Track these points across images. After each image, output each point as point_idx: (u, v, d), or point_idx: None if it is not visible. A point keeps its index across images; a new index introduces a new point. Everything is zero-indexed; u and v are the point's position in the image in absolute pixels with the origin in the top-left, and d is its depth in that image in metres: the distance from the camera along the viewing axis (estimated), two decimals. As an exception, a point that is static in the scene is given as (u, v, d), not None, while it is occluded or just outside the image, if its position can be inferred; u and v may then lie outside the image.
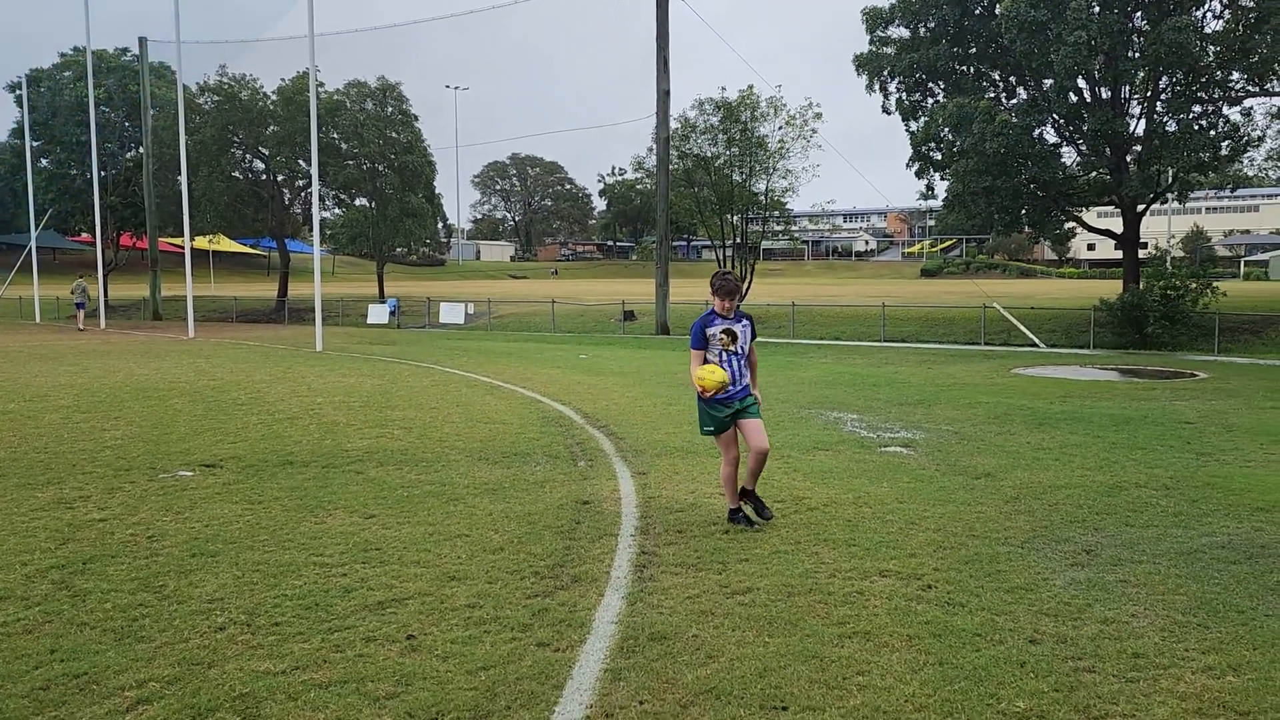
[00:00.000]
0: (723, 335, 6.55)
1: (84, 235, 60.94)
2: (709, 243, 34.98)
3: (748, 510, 6.76)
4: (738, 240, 32.33)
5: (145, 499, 7.51)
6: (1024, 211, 26.80)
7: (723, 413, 6.58)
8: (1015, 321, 25.91)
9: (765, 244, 46.24)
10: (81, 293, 34.60)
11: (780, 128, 29.98)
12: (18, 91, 44.28)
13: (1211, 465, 8.72)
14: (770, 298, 36.62)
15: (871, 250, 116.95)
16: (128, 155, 46.29)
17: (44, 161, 45.44)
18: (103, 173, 40.99)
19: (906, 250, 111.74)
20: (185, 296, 31.65)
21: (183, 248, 32.63)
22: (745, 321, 6.66)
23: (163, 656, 4.43)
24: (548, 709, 3.90)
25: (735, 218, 31.97)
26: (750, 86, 30.60)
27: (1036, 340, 24.30)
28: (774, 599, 5.17)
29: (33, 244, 41.22)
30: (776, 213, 33.22)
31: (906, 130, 27.22)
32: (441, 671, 4.26)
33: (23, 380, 16.04)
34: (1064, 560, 5.84)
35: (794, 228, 39.86)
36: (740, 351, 6.61)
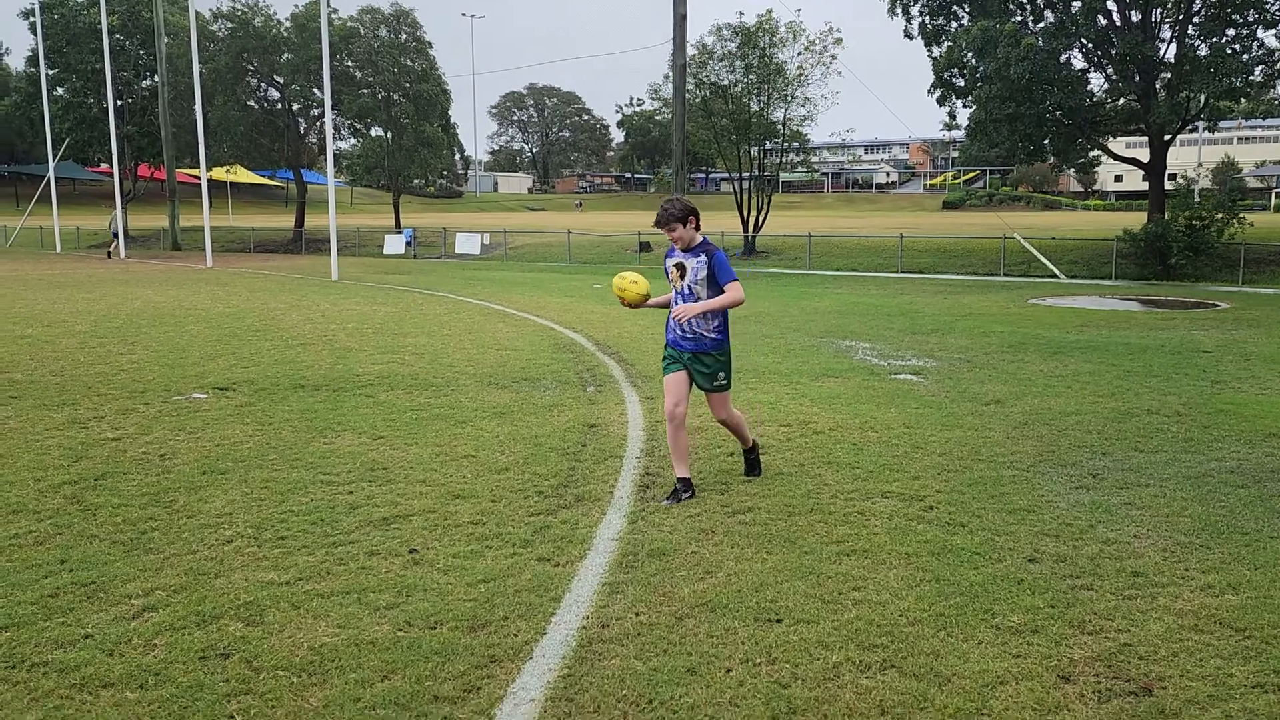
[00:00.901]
0: (673, 269, 5.62)
1: (102, 166, 60.96)
2: (727, 175, 34.54)
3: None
4: (755, 172, 31.92)
5: (158, 420, 7.59)
6: (1048, 140, 26.27)
7: (665, 354, 5.74)
8: (1035, 252, 25.57)
9: (784, 176, 45.68)
10: (116, 222, 35.18)
11: (799, 54, 29.42)
12: (31, 18, 43.84)
13: (1226, 392, 8.64)
14: (787, 229, 36.28)
15: (893, 183, 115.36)
16: (143, 84, 45.93)
17: (60, 90, 45.17)
18: (119, 102, 40.77)
19: (928, 183, 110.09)
20: (203, 227, 31.68)
21: (200, 179, 32.55)
22: (703, 258, 5.51)
23: (170, 567, 4.51)
24: (545, 619, 3.95)
25: (753, 149, 31.53)
26: (769, 11, 29.94)
27: (1057, 271, 24.00)
28: (774, 518, 5.19)
29: (51, 174, 41.17)
30: (795, 143, 32.71)
31: (929, 56, 26.59)
32: (442, 584, 4.31)
33: (41, 307, 16.18)
34: (1069, 484, 5.83)
35: (813, 159, 39.20)
36: (688, 290, 5.55)
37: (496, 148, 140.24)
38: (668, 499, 5.50)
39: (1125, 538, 4.86)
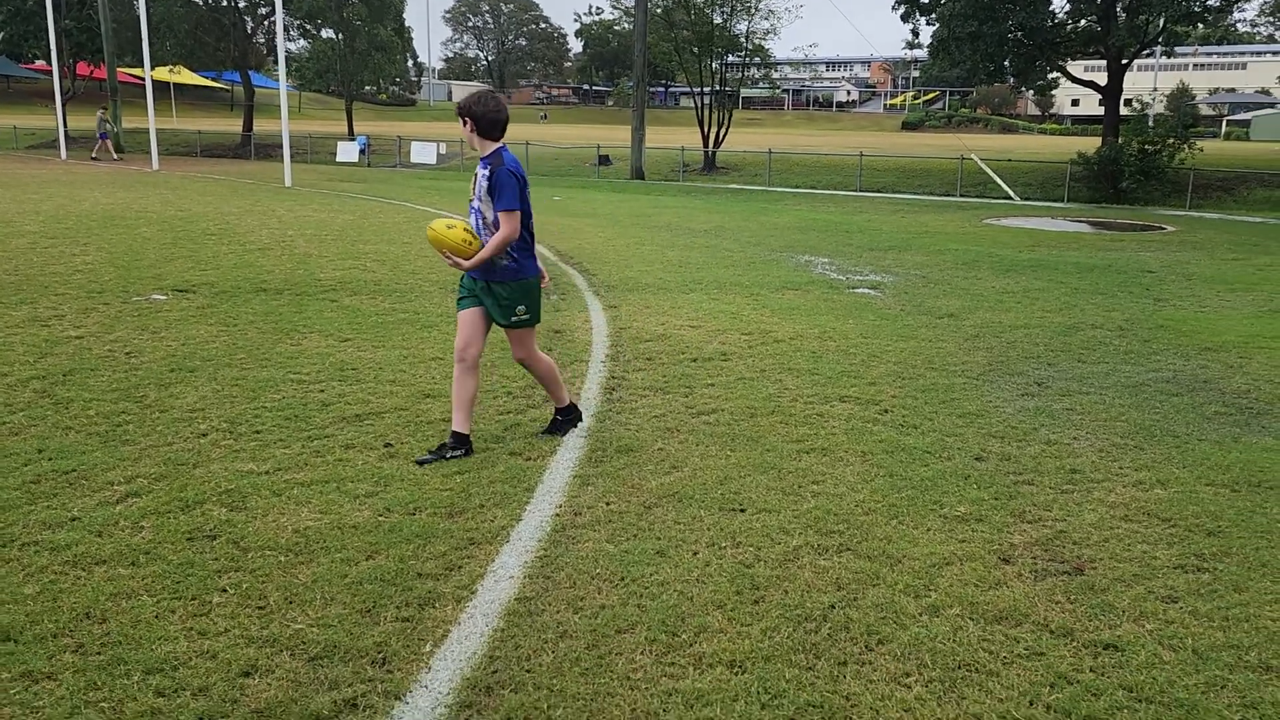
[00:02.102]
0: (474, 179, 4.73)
1: (38, 62, 58.41)
2: (688, 89, 34.15)
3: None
4: (716, 87, 31.61)
5: (120, 319, 7.57)
6: (1008, 60, 26.33)
7: (460, 287, 4.89)
8: (991, 174, 25.84)
9: (745, 92, 45.25)
10: (103, 123, 34.05)
11: (765, -36, 28.86)
12: (-44, -99, 41.47)
13: (1167, 310, 8.99)
14: (748, 146, 36.12)
15: (853, 101, 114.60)
16: (80, -25, 43.90)
17: (-9, -20, 43.04)
18: (54, -6, 38.86)
19: (889, 102, 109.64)
20: (148, 129, 30.71)
21: (142, 79, 31.42)
22: (488, 169, 4.57)
23: (148, 457, 4.61)
24: (519, 507, 4.14)
25: (715, 63, 31.16)
26: (735, -82, 29.21)
27: (1011, 193, 24.32)
28: (737, 419, 5.41)
29: (-16, 69, 39.41)
30: (757, 58, 32.38)
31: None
32: (418, 475, 4.47)
33: (-15, 207, 15.75)
34: (1016, 391, 6.11)
35: (775, 74, 38.88)
36: (474, 208, 4.69)
37: (451, 55, 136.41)
38: (424, 457, 4.64)
39: (1066, 439, 5.15)
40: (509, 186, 4.53)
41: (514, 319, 4.79)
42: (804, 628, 3.18)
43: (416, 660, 2.96)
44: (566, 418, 5.14)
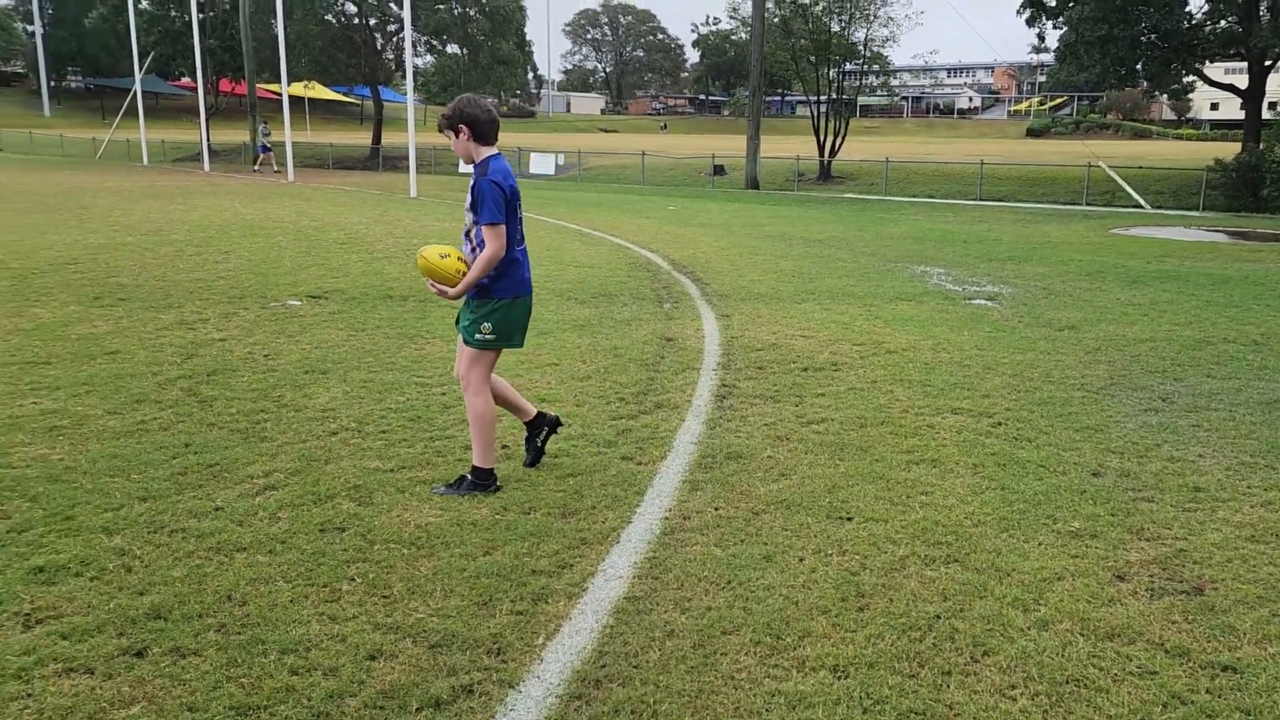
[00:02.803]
0: None
1: (184, 80, 62.00)
2: (804, 98, 33.94)
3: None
4: (833, 95, 31.33)
5: (259, 323, 8.04)
6: (1141, 64, 25.29)
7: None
8: (1121, 181, 24.85)
9: (862, 100, 44.65)
10: (264, 136, 36.01)
11: (884, -30, 28.50)
12: (116, -68, 44.51)
13: (1309, 325, 8.54)
14: (865, 154, 35.64)
15: (976, 108, 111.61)
16: (224, -3, 46.52)
17: (144, 3, 45.95)
18: (201, 15, 41.31)
19: (1013, 109, 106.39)
20: (284, 142, 32.29)
21: (279, 94, 33.08)
22: (473, 182, 4.26)
23: (284, 453, 4.91)
24: (630, 510, 4.26)
25: (832, 71, 30.90)
26: (854, -75, 28.94)
27: (1142, 201, 23.34)
28: (847, 429, 5.42)
29: (137, 87, 42.15)
30: (875, 65, 31.96)
31: (1020, -27, 25.62)
32: (534, 476, 4.64)
33: (137, 216, 16.87)
34: (1138, 405, 5.92)
35: (893, 82, 38.27)
36: (468, 218, 4.37)
37: (570, 67, 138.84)
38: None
39: (1190, 456, 4.98)
40: (490, 198, 4.12)
41: (478, 337, 4.38)
42: (908, 636, 3.19)
43: (529, 652, 3.10)
44: (482, 479, 4.40)
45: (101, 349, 6.97)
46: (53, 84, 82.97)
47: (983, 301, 9.62)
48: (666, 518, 4.17)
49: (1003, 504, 4.33)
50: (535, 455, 4.77)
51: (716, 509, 4.26)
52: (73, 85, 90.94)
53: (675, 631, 3.22)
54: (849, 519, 4.16)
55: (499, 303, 4.36)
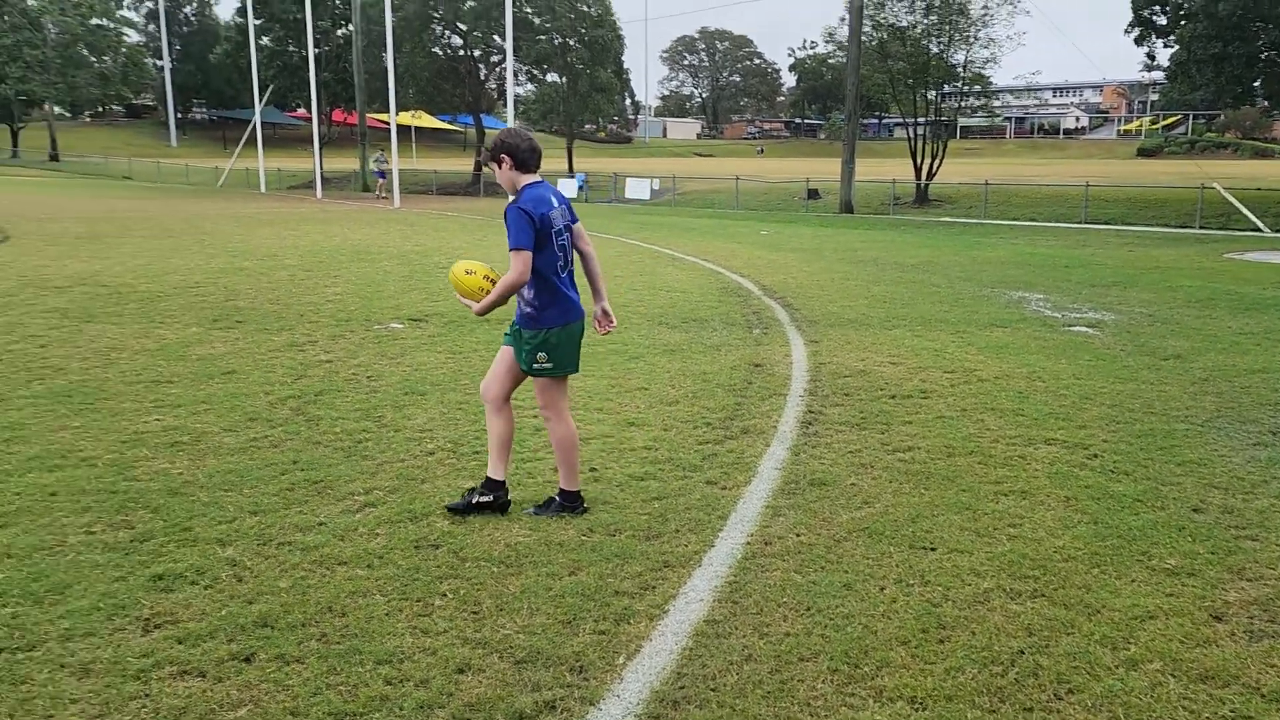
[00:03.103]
0: None
1: (300, 110, 64.71)
2: (901, 120, 33.58)
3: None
4: (932, 117, 30.92)
5: (363, 346, 8.38)
6: (1259, 82, 24.29)
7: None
8: (1237, 204, 23.83)
9: (962, 121, 43.91)
10: (380, 163, 37.45)
11: (985, -8, 28.07)
12: (238, -29, 46.98)
13: None
14: (963, 177, 35.02)
15: (1083, 128, 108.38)
16: (338, 32, 48.52)
17: (265, 39, 48.27)
18: (316, 50, 43.17)
19: (1123, 128, 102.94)
20: (392, 170, 33.44)
21: (388, 123, 34.30)
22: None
23: (384, 471, 5.13)
24: (712, 534, 4.32)
25: (930, 92, 30.51)
26: (955, -53, 28.59)
27: (1260, 225, 22.34)
28: (933, 457, 5.38)
29: (257, 118, 44.27)
30: (976, 86, 31.41)
31: (1128, -9, 24.94)
32: (619, 498, 4.75)
33: (254, 242, 17.71)
34: (1246, 440, 5.72)
35: (995, 103, 37.53)
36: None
37: (667, 93, 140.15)
38: (455, 503, 4.55)
39: (1300, 494, 4.79)
40: (515, 224, 4.19)
41: (535, 367, 4.42)
42: (990, 670, 3.18)
43: (610, 671, 3.19)
44: (571, 501, 4.53)
45: (219, 369, 7.38)
46: (179, 115, 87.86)
47: (1083, 329, 9.39)
48: (748, 543, 4.22)
49: (1095, 539, 4.25)
50: (466, 506, 4.52)
51: (798, 535, 4.30)
52: (198, 117, 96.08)
53: (753, 656, 3.27)
54: (932, 549, 4.15)
55: (549, 331, 4.39)
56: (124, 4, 75.92)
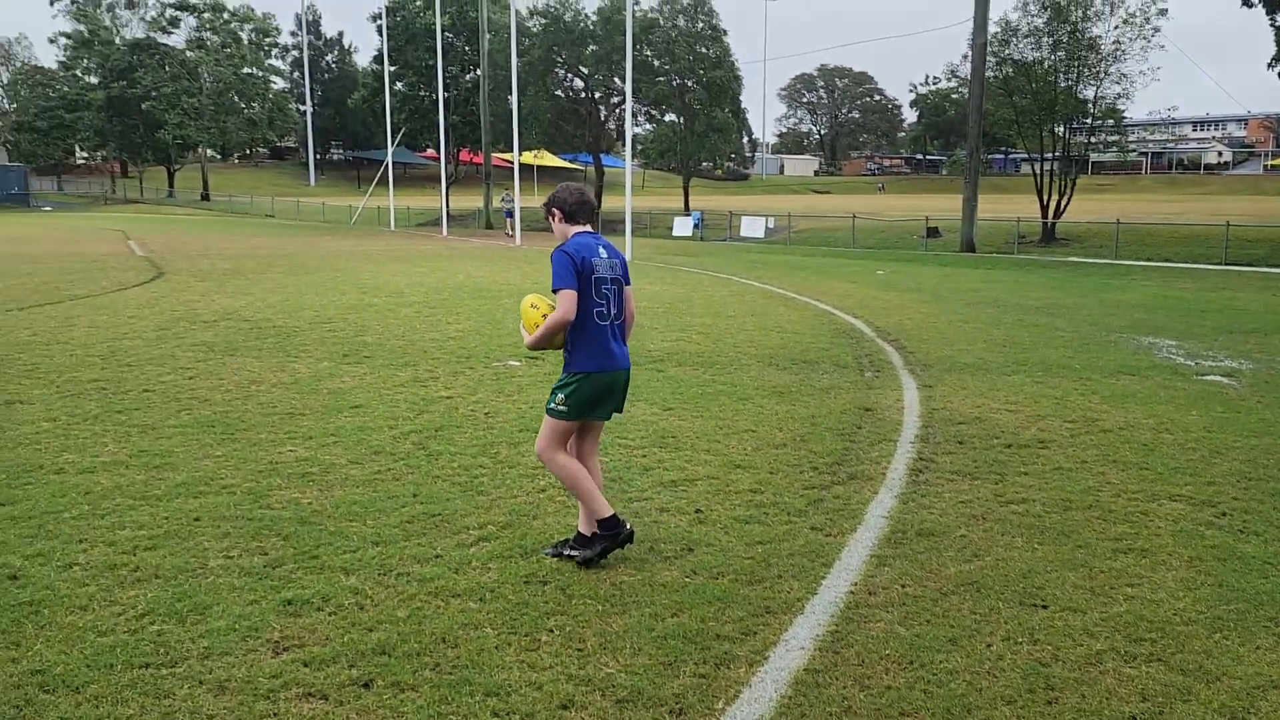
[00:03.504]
0: None
1: (429, 151, 67.36)
2: (1027, 156, 32.76)
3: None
4: (1060, 153, 30.06)
5: (482, 383, 8.68)
6: None
7: None
8: (1398, 245, 22.34)
9: (1094, 156, 42.52)
10: (506, 201, 38.43)
11: (1115, 27, 27.30)
12: (379, 21, 49.41)
13: None
14: (1093, 215, 33.85)
15: (1226, 163, 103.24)
16: (466, 77, 50.49)
17: (399, 85, 50.56)
18: (446, 94, 44.97)
19: (1270, 163, 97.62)
20: (515, 207, 34.47)
21: (512, 162, 35.42)
22: None
23: (497, 507, 5.33)
24: (816, 581, 4.34)
25: (1059, 128, 29.70)
26: (1084, -18, 27.85)
27: None
28: (1049, 510, 5.25)
29: (389, 159, 46.35)
30: (1109, 120, 30.41)
31: (1271, 24, 23.85)
32: (724, 541, 4.81)
33: (383, 279, 18.52)
34: (1393, 502, 5.39)
35: (1128, 138, 36.23)
36: None
37: (784, 130, 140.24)
38: (550, 549, 4.64)
39: None
40: (558, 265, 4.33)
41: (551, 406, 4.52)
42: (1097, 734, 3.11)
43: (709, 715, 3.25)
44: (607, 532, 4.45)
45: (347, 403, 7.77)
46: (318, 156, 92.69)
47: (1217, 378, 8.98)
48: (852, 592, 4.22)
49: (1219, 601, 4.09)
50: (559, 549, 4.61)
51: (903, 586, 4.27)
52: (334, 157, 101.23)
53: (852, 708, 3.28)
54: (1044, 606, 4.06)
55: (575, 375, 4.46)
56: (272, 54, 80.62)
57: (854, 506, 5.33)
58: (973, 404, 7.88)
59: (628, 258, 22.88)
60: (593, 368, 4.44)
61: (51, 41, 78.15)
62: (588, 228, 4.57)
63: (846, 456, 6.32)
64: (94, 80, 75.49)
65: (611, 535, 4.45)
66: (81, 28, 76.11)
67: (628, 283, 4.66)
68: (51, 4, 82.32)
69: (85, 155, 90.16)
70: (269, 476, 5.80)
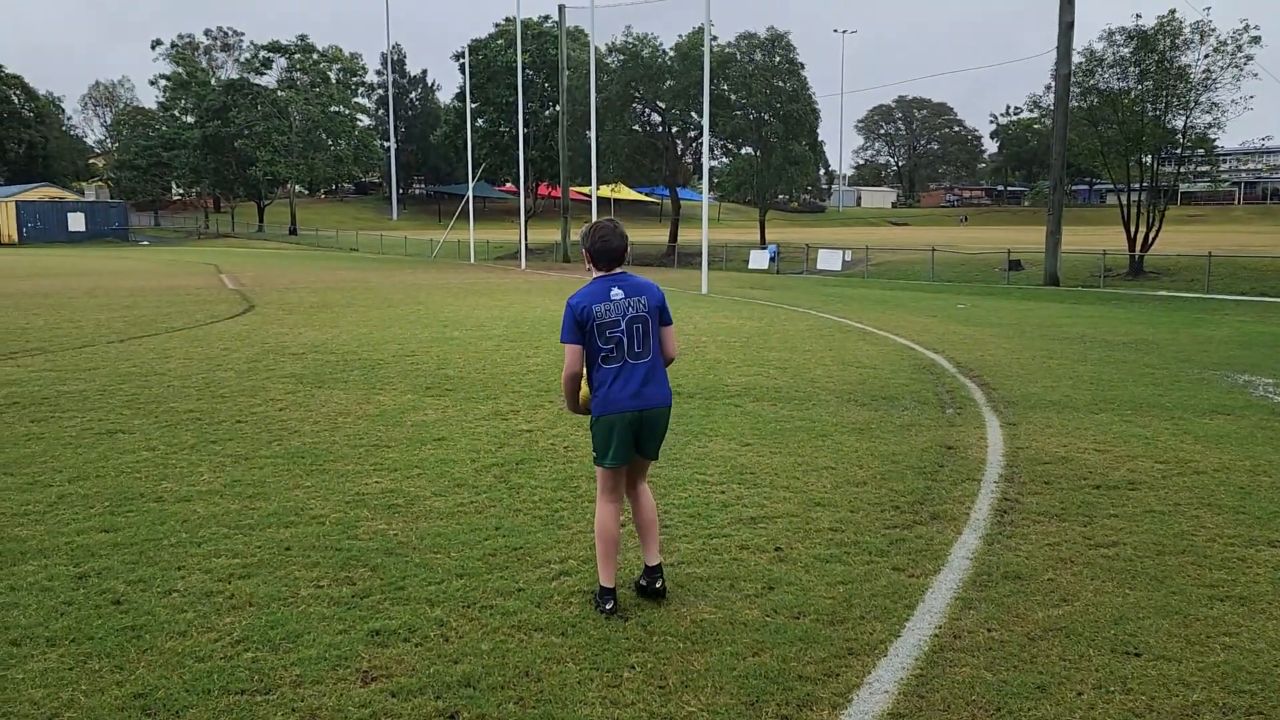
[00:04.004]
0: None
1: (508, 185, 68.69)
2: (1113, 186, 31.99)
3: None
4: (1148, 183, 29.30)
5: (561, 417, 8.79)
6: None
7: None
8: None
9: (1184, 187, 41.35)
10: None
11: (1205, 56, 26.61)
12: (461, 60, 50.80)
13: None
14: (1184, 247, 32.85)
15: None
16: (545, 113, 51.49)
17: (480, 121, 51.81)
18: (525, 129, 45.89)
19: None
20: (588, 242, 34.88)
21: (589, 196, 35.90)
22: None
23: (578, 541, 5.39)
24: (899, 623, 4.29)
25: (1146, 158, 28.98)
26: (1171, 11, 27.17)
27: None
28: (1140, 555, 5.11)
29: (469, 194, 47.43)
30: (1200, 150, 29.57)
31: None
32: (804, 580, 4.79)
33: (464, 312, 18.89)
34: None
35: (1220, 169, 35.13)
36: None
37: (861, 162, 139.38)
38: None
39: None
40: (564, 317, 4.48)
41: (594, 454, 4.63)
42: (1196, 791, 3.01)
43: (792, 756, 3.24)
44: (601, 600, 4.47)
45: (431, 435, 7.95)
46: (401, 191, 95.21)
47: (1320, 418, 8.62)
48: (936, 635, 4.16)
49: (1324, 654, 3.93)
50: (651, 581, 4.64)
51: (989, 630, 4.20)
52: (416, 192, 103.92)
53: (938, 754, 3.23)
54: (1137, 655, 3.95)
55: (593, 419, 4.57)
56: (358, 92, 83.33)
57: (937, 547, 5.25)
58: (1059, 443, 7.71)
59: (704, 290, 22.90)
60: (598, 411, 4.51)
61: (152, 83, 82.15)
62: (609, 271, 4.55)
63: (929, 495, 6.24)
64: (190, 120, 78.98)
65: (601, 602, 4.47)
66: (180, 70, 79.80)
67: (666, 321, 4.65)
68: (153, 48, 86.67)
69: (181, 191, 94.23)
70: (356, 507, 5.96)
